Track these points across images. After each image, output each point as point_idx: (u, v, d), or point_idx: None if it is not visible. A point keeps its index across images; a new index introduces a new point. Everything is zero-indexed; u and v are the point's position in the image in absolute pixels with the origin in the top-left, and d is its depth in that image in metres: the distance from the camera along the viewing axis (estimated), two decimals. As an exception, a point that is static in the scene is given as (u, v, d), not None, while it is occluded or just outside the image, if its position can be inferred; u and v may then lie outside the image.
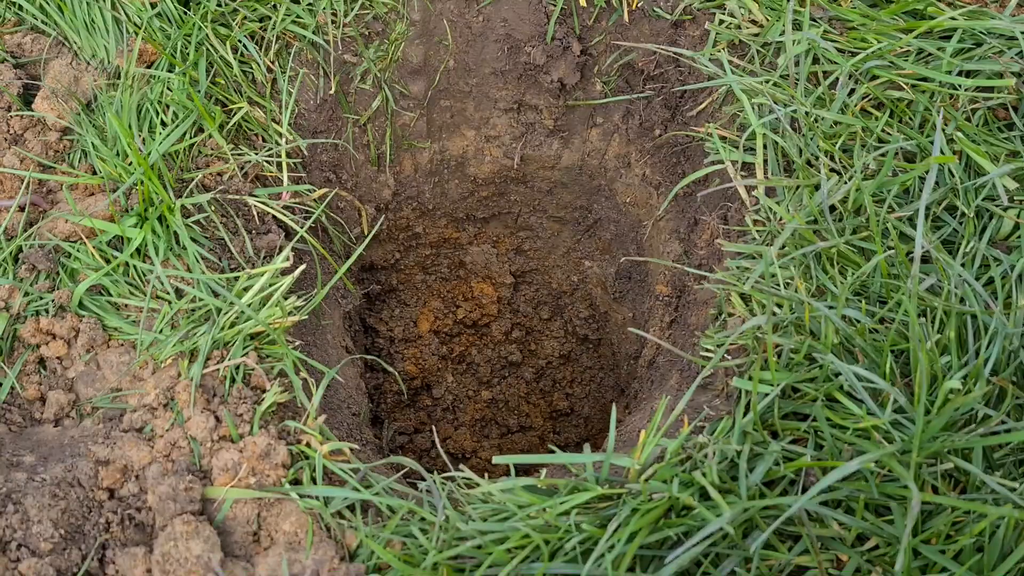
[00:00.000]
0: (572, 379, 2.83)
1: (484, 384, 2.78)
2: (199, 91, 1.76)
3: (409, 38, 2.08)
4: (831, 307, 1.43)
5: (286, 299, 1.61)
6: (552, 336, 2.79)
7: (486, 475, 1.41)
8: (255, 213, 1.78)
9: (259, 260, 1.72)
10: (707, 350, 1.64)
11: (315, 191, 1.92)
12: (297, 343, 1.65)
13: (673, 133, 2.02)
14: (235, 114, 1.81)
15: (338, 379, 2.05)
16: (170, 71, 1.74)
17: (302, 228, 1.77)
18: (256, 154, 1.81)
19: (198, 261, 1.61)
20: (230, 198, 1.75)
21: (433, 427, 2.49)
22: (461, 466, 1.41)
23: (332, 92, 2.01)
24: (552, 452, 1.36)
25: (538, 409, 2.83)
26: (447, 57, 2.14)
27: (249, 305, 1.56)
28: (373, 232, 1.88)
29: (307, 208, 1.93)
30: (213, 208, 1.71)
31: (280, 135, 1.87)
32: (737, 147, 1.76)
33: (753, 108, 1.68)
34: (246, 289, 1.58)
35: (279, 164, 1.85)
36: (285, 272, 1.62)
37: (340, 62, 1.99)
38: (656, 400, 1.87)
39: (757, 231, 1.66)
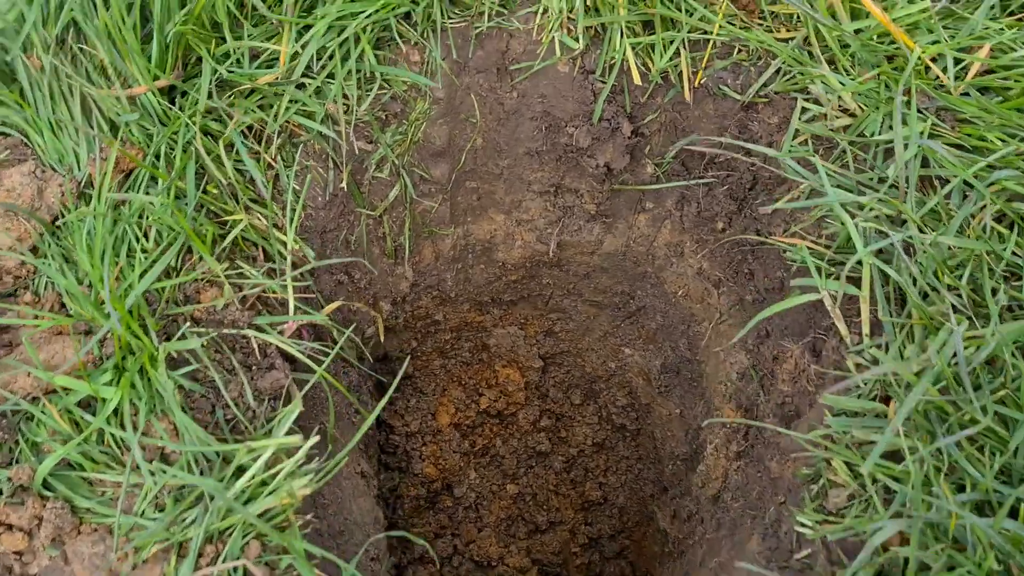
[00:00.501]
0: (606, 468, 2.55)
1: (509, 477, 2.50)
2: (187, 204, 1.47)
3: (431, 118, 1.78)
4: (985, 517, 1.14)
5: (292, 475, 1.32)
6: (584, 422, 2.51)
7: None
8: (255, 346, 1.49)
9: (261, 408, 1.43)
10: (803, 524, 1.36)
11: (324, 309, 1.63)
12: (308, 518, 1.37)
13: (744, 236, 1.73)
14: (231, 228, 1.52)
15: (354, 517, 1.77)
16: (152, 182, 1.45)
17: (316, 365, 1.49)
18: (257, 273, 1.52)
19: (186, 430, 1.32)
20: (226, 333, 1.46)
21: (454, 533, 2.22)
22: None
23: (343, 186, 1.72)
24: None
25: (568, 501, 2.55)
26: (474, 135, 1.85)
27: (245, 493, 1.27)
28: (389, 394, 1.57)
29: (315, 326, 1.64)
30: (205, 349, 1.42)
31: (284, 245, 1.58)
32: (831, 269, 1.47)
33: (858, 231, 1.39)
34: (243, 469, 1.30)
35: (282, 282, 1.55)
36: (291, 438, 1.33)
37: (352, 151, 1.69)
38: (725, 556, 1.60)
39: (862, 380, 1.37)
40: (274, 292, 1.55)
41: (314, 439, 1.31)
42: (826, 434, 1.38)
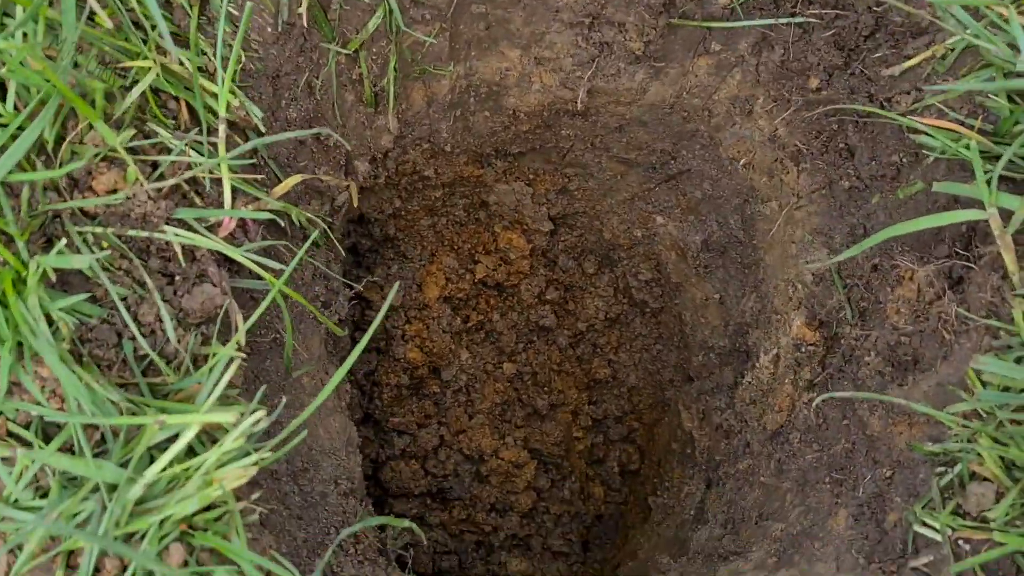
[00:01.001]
0: (618, 345, 2.20)
1: (506, 356, 2.14)
2: (62, 45, 0.98)
3: (428, -88, 1.26)
4: None
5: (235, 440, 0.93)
6: (597, 294, 2.13)
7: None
8: (177, 251, 1.06)
9: (188, 339, 1.02)
10: (928, 525, 1.01)
11: (276, 189, 1.19)
12: (253, 502, 0.99)
13: (850, 105, 1.26)
14: (137, 80, 1.04)
15: (321, 444, 1.41)
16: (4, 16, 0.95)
17: (269, 273, 1.06)
18: (179, 143, 1.06)
19: (71, 387, 0.91)
20: (133, 234, 1.02)
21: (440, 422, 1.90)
22: None
23: (303, 11, 1.22)
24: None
25: (572, 379, 2.22)
26: (486, -60, 1.33)
27: (160, 483, 0.88)
28: (378, 320, 1.16)
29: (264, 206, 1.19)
30: (104, 262, 0.99)
31: (217, 99, 1.10)
32: (989, 168, 1.03)
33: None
34: (154, 457, 0.90)
35: (214, 156, 1.09)
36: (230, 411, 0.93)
37: (316, -39, 1.18)
38: (795, 522, 1.26)
39: (1019, 339, 0.97)
40: (203, 172, 1.10)
41: (256, 418, 0.90)
42: (971, 409, 1.00)
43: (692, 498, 1.80)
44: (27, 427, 0.94)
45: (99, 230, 1.00)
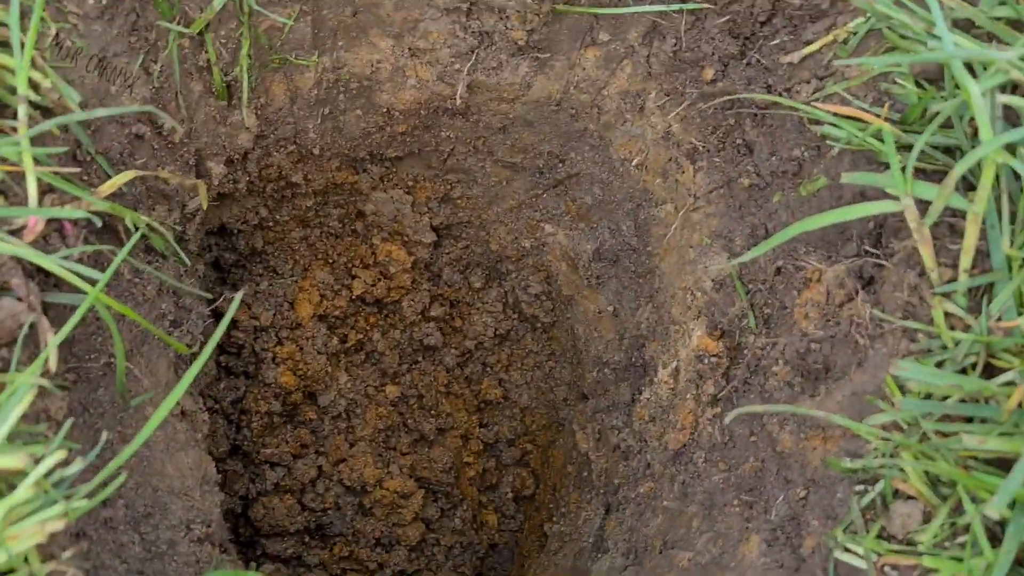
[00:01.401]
0: (509, 363, 2.07)
1: (389, 378, 1.98)
2: None
3: None
4: None
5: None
6: (486, 310, 1.99)
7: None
8: (-29, 259, 0.87)
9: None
10: (848, 549, 0.92)
11: (101, 187, 1.01)
12: (69, 556, 0.81)
13: (747, 95, 1.17)
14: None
15: (169, 483, 1.23)
16: None
17: (86, 282, 0.88)
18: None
19: None
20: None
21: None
22: None
23: (133, -18, 1.06)
24: None
25: (462, 401, 2.08)
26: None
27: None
28: (219, 332, 1.02)
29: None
30: None
31: (19, 78, 0.92)
32: (896, 159, 0.95)
33: (984, 99, 0.86)
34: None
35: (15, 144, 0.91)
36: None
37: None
38: (702, 550, 1.15)
39: (953, 341, 0.89)
40: (9, 162, 0.91)
41: (55, 460, 0.72)
42: (891, 420, 0.91)
43: (590, 524, 1.68)
44: None
45: None
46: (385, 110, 1.50)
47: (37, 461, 0.73)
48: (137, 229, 1.14)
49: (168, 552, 1.17)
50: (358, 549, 1.89)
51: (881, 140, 0.99)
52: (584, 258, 1.70)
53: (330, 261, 1.85)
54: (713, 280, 1.33)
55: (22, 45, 0.89)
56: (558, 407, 2.04)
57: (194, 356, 1.46)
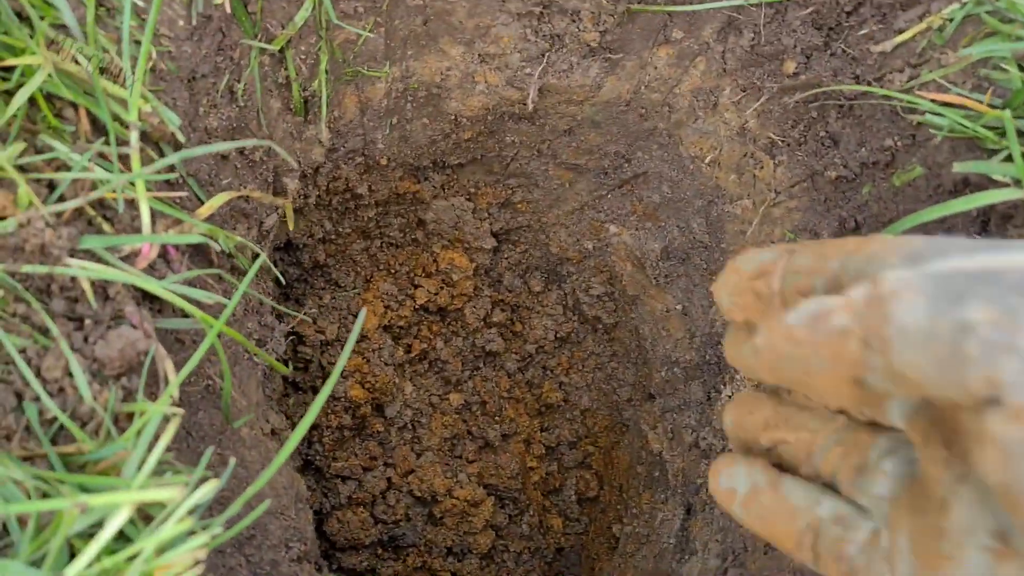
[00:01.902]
0: (569, 366, 2.06)
1: (453, 386, 1.97)
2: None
3: None
4: None
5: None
6: (546, 313, 1.98)
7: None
8: (86, 288, 0.86)
9: (106, 395, 0.83)
10: None
11: (200, 209, 1.00)
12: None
13: (835, 87, 1.16)
14: (24, 80, 0.85)
15: (273, 507, 1.22)
16: None
17: (201, 309, 0.88)
18: (80, 157, 0.87)
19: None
20: (28, 270, 0.82)
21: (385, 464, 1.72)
22: None
23: (222, 1, 1.05)
24: None
25: (523, 406, 2.06)
26: (423, -78, 1.18)
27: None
28: (345, 356, 1.05)
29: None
30: (-9, 306, 0.79)
31: (125, 106, 0.92)
32: (995, 142, 0.93)
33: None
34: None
35: (127, 173, 0.90)
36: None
37: (234, -58, 1.01)
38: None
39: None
40: (113, 191, 0.91)
41: (207, 490, 0.72)
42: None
43: (669, 525, 1.66)
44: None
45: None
46: (452, 117, 1.49)
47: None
48: (226, 251, 1.13)
49: (271, 573, 1.16)
50: (431, 559, 1.89)
51: (989, 128, 0.97)
52: (651, 257, 1.69)
53: (392, 271, 1.84)
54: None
55: (132, 70, 0.88)
56: (621, 408, 2.03)
57: (278, 380, 1.46)
